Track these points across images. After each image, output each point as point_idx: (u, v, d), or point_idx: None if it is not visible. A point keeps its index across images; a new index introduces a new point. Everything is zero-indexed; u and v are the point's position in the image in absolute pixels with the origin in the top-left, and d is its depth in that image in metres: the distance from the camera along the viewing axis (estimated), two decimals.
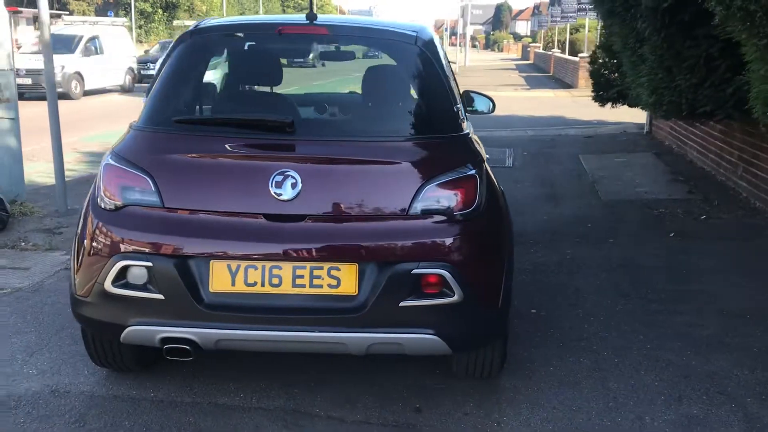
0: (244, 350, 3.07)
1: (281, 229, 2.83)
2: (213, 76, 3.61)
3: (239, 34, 3.37)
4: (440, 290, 2.83)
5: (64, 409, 3.12)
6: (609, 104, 9.14)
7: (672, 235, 5.79)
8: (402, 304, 2.80)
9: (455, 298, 2.82)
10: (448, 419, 3.08)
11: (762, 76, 4.09)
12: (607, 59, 8.40)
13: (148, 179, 2.89)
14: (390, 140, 3.03)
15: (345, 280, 2.82)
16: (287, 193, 2.82)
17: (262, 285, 2.82)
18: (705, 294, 4.46)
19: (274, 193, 2.82)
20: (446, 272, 2.81)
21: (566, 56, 28.82)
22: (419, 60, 3.24)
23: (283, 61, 3.94)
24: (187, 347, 2.88)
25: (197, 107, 3.24)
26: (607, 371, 3.47)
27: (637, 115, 12.03)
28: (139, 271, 2.84)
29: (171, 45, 3.35)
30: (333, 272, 2.82)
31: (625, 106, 9.37)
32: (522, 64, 44.54)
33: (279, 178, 2.83)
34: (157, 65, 3.42)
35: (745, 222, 6.14)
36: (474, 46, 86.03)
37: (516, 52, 74.56)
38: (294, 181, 2.82)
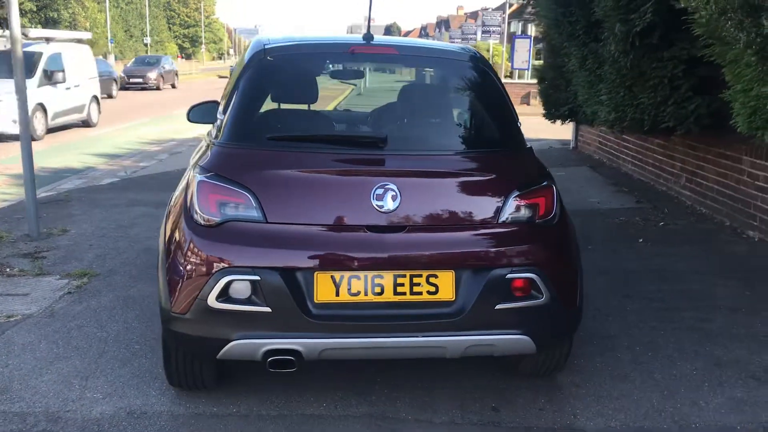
0: (346, 359, 3.15)
1: (383, 239, 2.96)
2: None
3: (312, 53, 3.48)
4: (530, 293, 3.04)
5: (153, 430, 3.09)
6: (559, 121, 9.71)
7: (641, 241, 6.27)
8: (498, 307, 2.98)
9: (543, 299, 3.04)
10: (527, 415, 3.28)
11: (743, 91, 4.57)
12: (556, 79, 8.93)
13: (249, 195, 2.95)
14: (474, 153, 3.23)
15: (443, 286, 2.98)
16: (388, 204, 2.95)
17: (365, 294, 2.94)
18: (695, 292, 4.90)
19: (376, 205, 2.95)
20: (536, 275, 3.03)
21: None
22: (482, 78, 3.47)
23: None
24: (292, 358, 2.94)
25: (281, 125, 3.31)
26: (647, 364, 3.78)
27: (557, 132, 12.78)
28: (243, 285, 2.88)
29: (241, 64, 3.41)
30: (431, 279, 2.97)
31: (543, 123, 10.05)
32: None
33: (380, 191, 2.96)
34: (230, 84, 3.45)
35: (699, 227, 6.72)
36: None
37: (410, 75, 76.33)
38: (394, 193, 2.96)
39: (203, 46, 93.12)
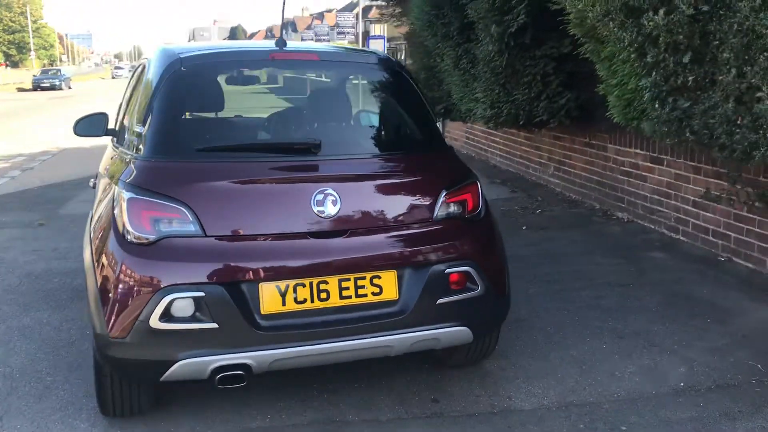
0: (295, 367, 3.12)
1: (326, 245, 2.98)
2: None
3: (229, 61, 3.40)
4: (466, 285, 3.17)
5: None
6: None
7: (525, 228, 6.65)
8: (439, 301, 3.09)
9: (479, 290, 3.19)
10: (466, 403, 3.41)
11: (618, 85, 4.99)
12: (429, 79, 9.21)
13: (185, 209, 2.86)
14: (403, 155, 3.31)
15: (386, 286, 3.04)
16: (329, 210, 2.97)
17: (312, 301, 2.94)
18: (586, 272, 5.28)
19: (317, 211, 2.96)
20: (471, 268, 3.16)
21: None
22: (401, 82, 3.56)
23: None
24: (242, 373, 2.89)
25: (209, 135, 3.22)
26: (561, 342, 4.04)
27: None
28: (186, 302, 2.80)
29: (155, 74, 3.28)
30: (375, 280, 3.03)
31: None
32: (274, 87, 45.15)
33: (320, 196, 2.97)
34: (143, 95, 3.30)
35: (573, 212, 7.22)
36: None
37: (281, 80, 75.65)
38: (333, 198, 2.98)
39: (32, 52, 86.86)
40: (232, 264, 2.86)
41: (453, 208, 3.23)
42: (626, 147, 6.62)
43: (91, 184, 4.19)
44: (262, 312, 2.88)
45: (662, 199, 6.14)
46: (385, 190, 3.16)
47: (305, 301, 2.93)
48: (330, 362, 3.12)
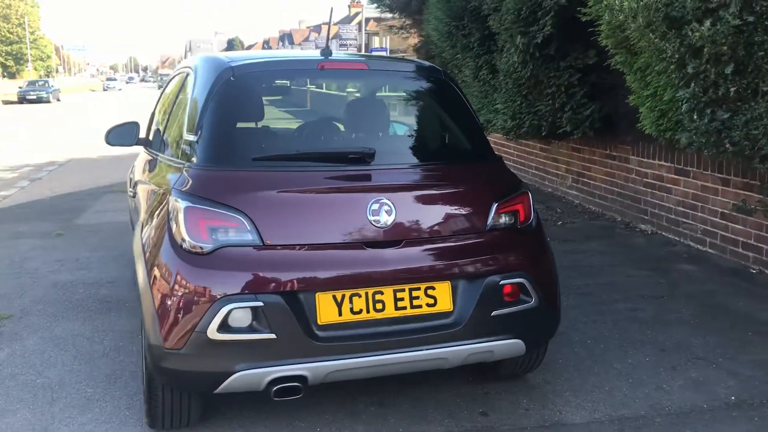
0: (350, 379, 3.07)
1: (382, 255, 2.94)
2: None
3: (279, 71, 3.37)
4: (519, 297, 3.13)
5: None
6: None
7: (549, 240, 6.60)
8: (494, 314, 3.05)
9: (532, 302, 3.15)
10: (516, 416, 3.36)
11: (651, 96, 4.98)
12: None
13: (243, 219, 2.82)
14: (455, 165, 3.28)
15: (441, 297, 3.00)
16: (384, 219, 2.94)
17: (367, 311, 2.90)
18: (618, 284, 5.24)
19: (373, 220, 2.92)
20: (525, 280, 3.13)
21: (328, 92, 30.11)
22: (450, 92, 3.53)
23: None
24: (299, 384, 2.85)
25: (264, 144, 3.18)
26: (603, 355, 4.00)
27: None
28: (244, 313, 2.76)
29: (205, 83, 3.25)
30: (429, 291, 2.99)
31: None
32: (272, 99, 45.13)
33: (375, 206, 2.93)
34: (195, 103, 3.27)
35: (594, 224, 7.20)
36: None
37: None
38: (388, 208, 2.95)
39: (29, 63, 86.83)
40: (290, 273, 2.82)
41: (505, 219, 3.19)
42: (650, 159, 6.60)
43: (130, 192, 4.14)
44: (319, 322, 2.83)
45: (688, 210, 6.12)
46: (438, 199, 3.12)
47: (361, 311, 2.89)
48: (384, 374, 3.07)
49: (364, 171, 3.06)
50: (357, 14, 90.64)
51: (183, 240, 2.82)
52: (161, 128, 4.02)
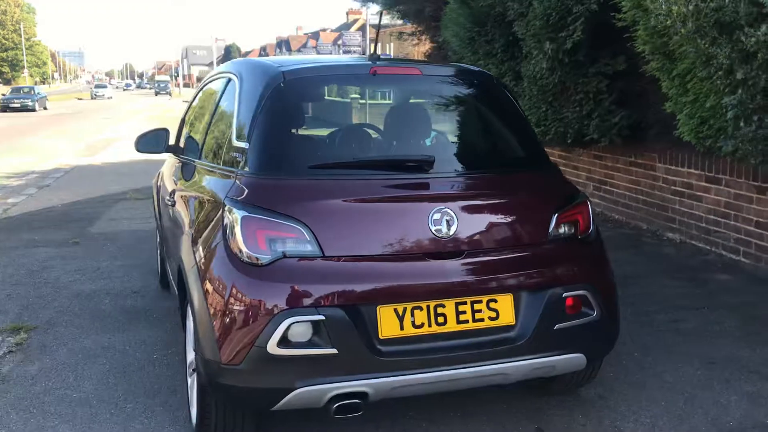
0: (410, 395, 2.96)
1: (443, 266, 2.83)
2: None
3: (331, 76, 3.27)
4: (582, 309, 3.02)
5: None
6: None
7: None
8: (557, 327, 2.95)
9: (595, 315, 3.04)
10: None
11: (691, 103, 4.89)
12: None
13: (302, 229, 2.71)
14: (514, 173, 3.18)
15: (503, 310, 2.89)
16: (445, 230, 2.83)
17: (429, 325, 2.79)
18: (655, 295, 5.14)
19: (434, 231, 2.82)
20: (588, 292, 3.02)
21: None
22: (503, 98, 3.44)
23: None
24: (360, 401, 2.73)
25: (318, 152, 3.08)
26: (653, 368, 3.89)
27: None
28: (304, 327, 2.65)
29: (253, 88, 3.15)
30: (491, 304, 2.88)
31: None
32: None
33: (437, 215, 2.83)
34: (243, 109, 3.17)
35: (620, 233, 7.10)
36: None
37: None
38: (450, 217, 2.84)
39: (26, 70, 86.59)
40: (351, 285, 2.71)
41: (565, 229, 3.09)
42: (678, 166, 6.51)
43: (167, 201, 4.03)
44: (381, 336, 2.73)
45: (720, 219, 6.03)
46: (498, 209, 3.02)
47: (423, 325, 2.78)
48: (445, 390, 2.96)
49: (425, 179, 2.96)
50: (355, 20, 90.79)
51: (240, 251, 2.71)
52: (199, 135, 3.91)
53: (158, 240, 5.17)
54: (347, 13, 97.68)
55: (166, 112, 34.57)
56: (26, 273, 5.89)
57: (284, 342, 2.63)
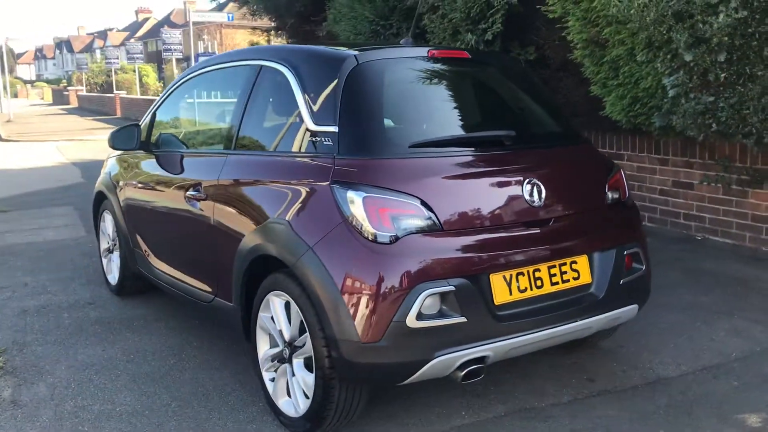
0: (518, 355, 3.11)
1: (537, 233, 3.05)
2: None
3: (397, 58, 3.32)
4: (634, 265, 3.39)
5: None
6: None
7: None
8: (622, 282, 3.28)
9: (644, 269, 3.42)
10: (620, 378, 3.59)
11: (622, 84, 5.49)
12: None
13: (420, 205, 2.80)
14: (571, 145, 3.48)
15: (582, 271, 3.18)
16: (537, 199, 3.05)
17: (531, 289, 3.00)
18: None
19: (528, 200, 3.03)
20: (639, 249, 3.40)
21: (142, 97, 28.66)
22: (532, 79, 3.71)
23: None
24: (483, 365, 2.88)
25: (412, 131, 3.12)
26: (645, 319, 4.30)
27: None
28: (434, 299, 2.75)
29: (323, 74, 3.15)
30: (573, 266, 3.15)
31: None
32: (69, 108, 41.86)
33: (528, 187, 3.04)
34: (316, 94, 3.15)
35: None
36: None
37: (39, 97, 69.14)
38: (539, 188, 3.07)
39: None
40: (470, 256, 2.85)
41: (614, 194, 3.43)
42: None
43: (190, 195, 3.78)
44: (496, 303, 2.89)
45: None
46: (570, 178, 3.29)
47: (526, 289, 2.98)
48: (544, 347, 3.17)
49: (515, 153, 3.15)
50: (146, 19, 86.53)
51: (366, 231, 2.73)
52: (224, 126, 3.75)
53: (124, 248, 4.80)
54: (137, 12, 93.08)
55: None
56: None
57: (420, 315, 2.70)
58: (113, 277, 5.10)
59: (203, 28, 25.95)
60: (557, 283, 3.08)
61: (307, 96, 3.19)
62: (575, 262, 3.15)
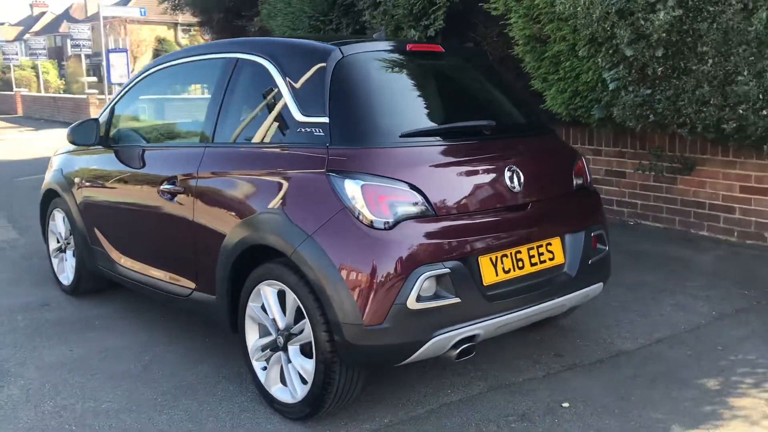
0: (504, 332, 3.27)
1: (518, 217, 3.23)
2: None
3: (379, 51, 3.40)
4: (598, 246, 3.63)
5: None
6: None
7: None
8: (590, 261, 3.51)
9: (607, 249, 3.67)
10: (584, 352, 3.83)
11: (562, 78, 5.79)
12: None
13: (414, 191, 2.92)
14: (541, 135, 3.68)
15: (556, 252, 3.38)
16: (517, 185, 3.23)
17: (514, 270, 3.18)
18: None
19: (510, 186, 3.20)
20: (603, 230, 3.64)
21: (46, 95, 27.47)
22: (501, 73, 3.89)
23: None
24: (473, 344, 3.03)
25: (402, 121, 3.20)
26: (595, 297, 4.62)
27: None
28: (431, 281, 2.88)
29: (307, 65, 3.21)
30: (548, 247, 3.36)
31: None
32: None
33: (509, 173, 3.21)
34: (304, 85, 3.20)
35: None
36: None
37: None
38: (518, 174, 3.25)
39: None
40: (462, 240, 2.99)
41: (578, 180, 3.66)
42: None
43: (163, 190, 3.74)
44: (484, 283, 3.04)
45: None
46: (543, 166, 3.48)
47: (510, 270, 3.16)
48: (525, 324, 3.35)
49: (495, 142, 3.31)
50: (42, 13, 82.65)
51: (364, 217, 2.83)
52: (201, 119, 3.72)
53: (81, 246, 4.68)
54: (31, 5, 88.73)
55: None
56: None
57: (419, 297, 2.83)
58: (66, 276, 4.96)
59: (106, 23, 25.07)
60: (536, 264, 3.26)
61: (292, 88, 3.25)
62: (550, 244, 3.35)
